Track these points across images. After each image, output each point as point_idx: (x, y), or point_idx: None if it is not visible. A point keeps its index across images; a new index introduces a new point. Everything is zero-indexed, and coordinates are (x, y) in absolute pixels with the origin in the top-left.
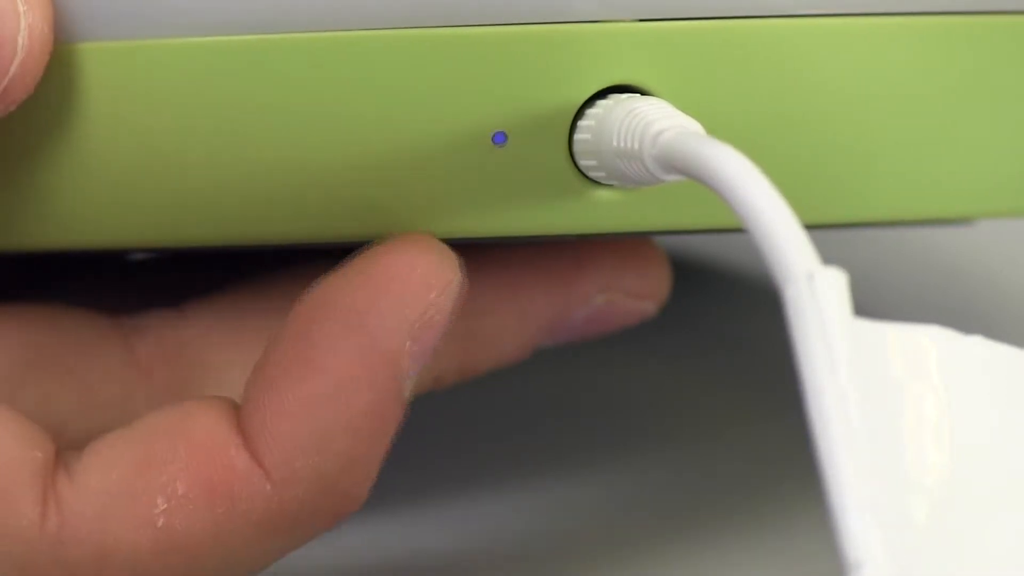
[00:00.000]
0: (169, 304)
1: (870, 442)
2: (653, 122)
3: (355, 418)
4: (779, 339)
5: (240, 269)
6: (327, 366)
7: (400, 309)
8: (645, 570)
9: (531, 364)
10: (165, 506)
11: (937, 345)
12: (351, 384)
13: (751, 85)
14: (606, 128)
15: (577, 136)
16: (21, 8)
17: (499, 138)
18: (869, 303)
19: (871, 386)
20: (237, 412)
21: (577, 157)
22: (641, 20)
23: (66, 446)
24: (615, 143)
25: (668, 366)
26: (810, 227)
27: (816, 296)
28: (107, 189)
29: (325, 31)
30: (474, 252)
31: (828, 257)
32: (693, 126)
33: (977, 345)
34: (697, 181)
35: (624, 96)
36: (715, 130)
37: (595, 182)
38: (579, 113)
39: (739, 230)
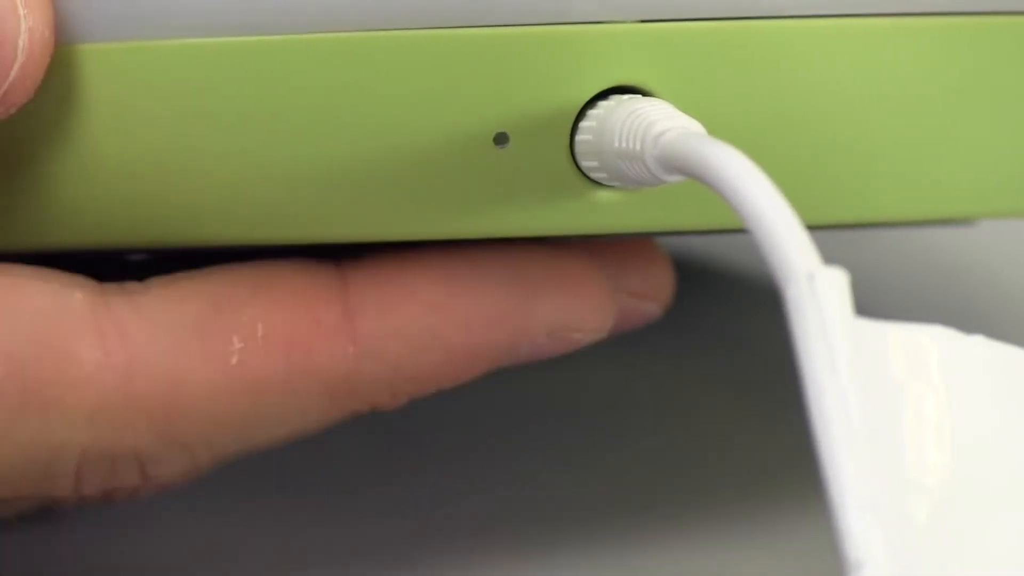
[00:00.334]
0: None
1: (871, 442)
2: (654, 123)
3: (460, 348)
4: (779, 339)
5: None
6: (475, 298)
7: (564, 308)
8: (645, 570)
9: (531, 363)
10: (241, 346)
11: (938, 345)
12: (481, 323)
13: (752, 86)
14: (607, 129)
15: (578, 137)
16: (21, 11)
17: (501, 139)
18: (870, 303)
19: (872, 386)
20: (335, 272)
21: (578, 158)
22: (642, 21)
23: None
24: (616, 144)
25: (668, 366)
26: (811, 227)
27: (817, 296)
28: (107, 190)
29: (326, 32)
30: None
31: (829, 257)
32: (694, 127)
33: (978, 345)
34: (698, 181)
35: (625, 97)
36: (716, 131)
37: (596, 183)
38: (580, 114)
39: (740, 230)
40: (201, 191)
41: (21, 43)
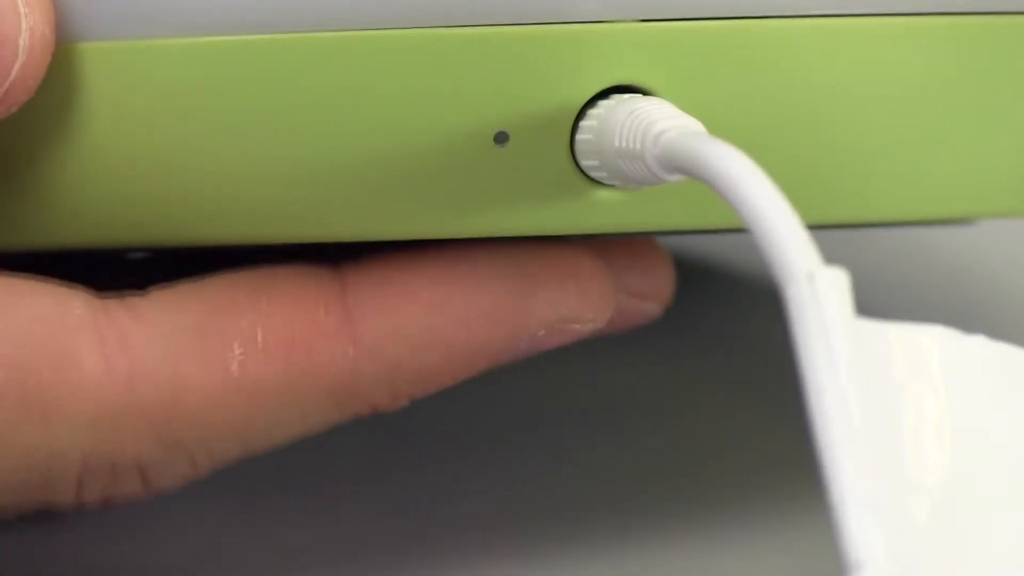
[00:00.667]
0: None
1: (871, 442)
2: (655, 122)
3: (460, 346)
4: (779, 339)
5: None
6: (473, 295)
7: (561, 302)
8: (645, 570)
9: (531, 363)
10: (241, 351)
11: (939, 345)
12: (481, 320)
13: (753, 85)
14: (608, 128)
15: (579, 136)
16: (22, 10)
17: (501, 138)
18: (870, 303)
19: (872, 386)
20: (333, 275)
21: (579, 157)
22: (643, 20)
23: None
24: (617, 143)
25: (668, 366)
26: (811, 227)
27: (817, 295)
28: (108, 188)
29: (327, 31)
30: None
31: (829, 257)
32: (695, 126)
33: (979, 345)
34: (699, 181)
35: (626, 96)
36: (717, 130)
37: (597, 182)
38: (581, 113)
39: (740, 230)
40: (201, 190)
41: (22, 42)
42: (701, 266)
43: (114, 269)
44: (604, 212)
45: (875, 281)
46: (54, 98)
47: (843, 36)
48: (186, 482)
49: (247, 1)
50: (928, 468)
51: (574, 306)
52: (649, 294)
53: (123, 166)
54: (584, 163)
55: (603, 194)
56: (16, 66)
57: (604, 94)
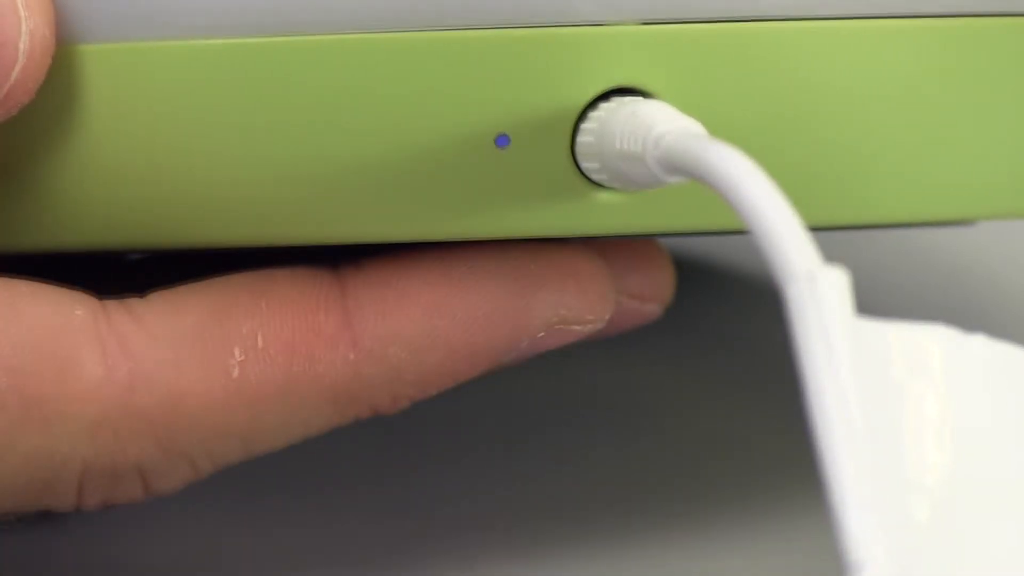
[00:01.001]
0: None
1: (871, 442)
2: (655, 124)
3: (461, 348)
4: (779, 339)
5: (241, 270)
6: (473, 297)
7: (561, 302)
8: (645, 570)
9: (531, 364)
10: (242, 357)
11: (939, 344)
12: (481, 322)
13: (753, 87)
14: (608, 130)
15: (579, 139)
16: (22, 12)
17: (502, 141)
18: (871, 303)
19: (872, 386)
20: (333, 278)
21: (579, 159)
22: (643, 23)
23: None
24: (618, 145)
25: (668, 366)
26: (812, 229)
27: (817, 296)
28: (109, 190)
29: (327, 34)
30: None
31: (830, 257)
32: (695, 128)
33: (979, 344)
34: (700, 182)
35: (626, 98)
36: (717, 132)
37: (597, 184)
38: (581, 116)
39: (741, 231)
40: (202, 192)
41: (22, 44)
42: (701, 266)
43: (114, 272)
44: (605, 214)
45: (875, 281)
46: (54, 100)
47: (843, 38)
48: (186, 484)
49: (247, 3)
50: (928, 468)
51: (574, 307)
52: (649, 295)
53: (123, 168)
54: (585, 165)
55: (604, 196)
56: (16, 68)
57: (605, 96)
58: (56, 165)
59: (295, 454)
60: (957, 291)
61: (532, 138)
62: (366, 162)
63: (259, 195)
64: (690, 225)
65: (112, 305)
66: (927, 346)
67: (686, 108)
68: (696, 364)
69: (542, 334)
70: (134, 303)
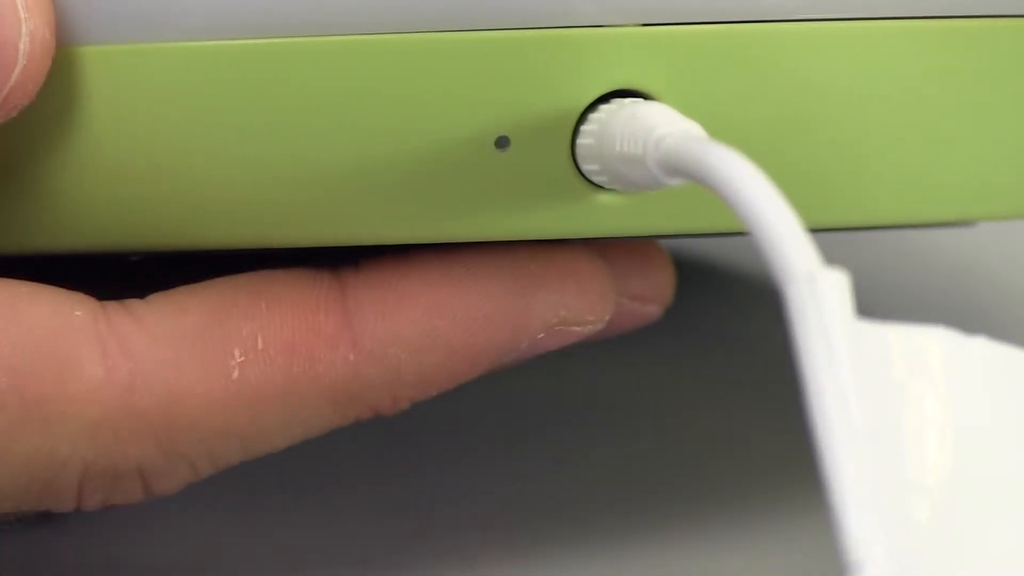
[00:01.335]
0: None
1: (871, 442)
2: (656, 126)
3: (461, 349)
4: (779, 339)
5: (241, 271)
6: (473, 298)
7: (561, 303)
8: (645, 570)
9: (531, 364)
10: (242, 358)
11: (939, 345)
12: (481, 323)
13: (753, 89)
14: (609, 132)
15: (580, 140)
16: (23, 14)
17: (502, 142)
18: (871, 304)
19: (873, 386)
20: (333, 279)
21: (580, 161)
22: (643, 25)
23: None
24: (618, 147)
25: (668, 366)
26: (812, 230)
27: (817, 297)
28: (109, 192)
29: (328, 35)
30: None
31: (830, 258)
32: (696, 130)
33: (979, 346)
34: (700, 184)
35: (627, 100)
36: (717, 134)
37: (597, 186)
38: (582, 118)
39: (741, 233)
40: (202, 194)
41: (22, 46)
42: (701, 267)
43: (114, 273)
44: (605, 216)
45: (876, 282)
46: (54, 102)
47: (843, 40)
48: (186, 485)
49: (247, 4)
50: (928, 468)
51: (574, 307)
52: (649, 296)
53: (123, 169)
54: (585, 167)
55: (604, 198)
56: (16, 70)
57: (605, 98)
58: (56, 166)
59: (295, 454)
60: (957, 292)
61: (532, 140)
62: (366, 164)
63: (259, 196)
64: (690, 227)
65: (112, 306)
66: (927, 347)
67: (686, 110)
68: (696, 364)
69: (542, 335)
70: (134, 304)
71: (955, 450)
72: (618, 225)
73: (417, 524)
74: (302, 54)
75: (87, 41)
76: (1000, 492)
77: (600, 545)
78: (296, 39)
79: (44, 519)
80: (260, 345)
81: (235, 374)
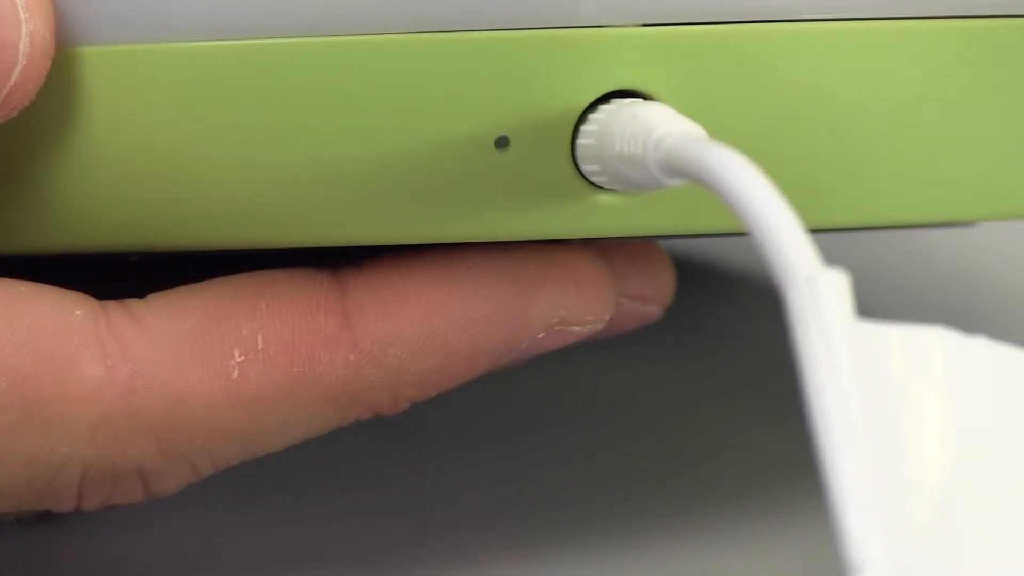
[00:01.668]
0: None
1: (872, 442)
2: (656, 127)
3: (461, 350)
4: (779, 339)
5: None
6: (473, 298)
7: (561, 303)
8: (645, 570)
9: (531, 364)
10: (241, 359)
11: (939, 346)
12: (481, 323)
13: (753, 89)
14: (609, 133)
15: (580, 141)
16: (23, 15)
17: (502, 143)
18: (871, 304)
19: (873, 387)
20: (333, 280)
21: (580, 162)
22: (643, 25)
23: None
24: (618, 148)
25: (668, 366)
26: (812, 230)
27: (818, 298)
28: (108, 192)
29: (327, 36)
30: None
31: (830, 258)
32: (696, 131)
33: (979, 346)
34: (700, 185)
35: (627, 101)
36: (718, 134)
37: (597, 187)
38: (582, 118)
39: (741, 233)
40: (201, 194)
41: (22, 47)
42: (701, 267)
43: (114, 273)
44: (605, 216)
45: (875, 283)
46: (54, 102)
47: (843, 40)
48: (186, 485)
49: (247, 5)
50: (928, 468)
51: (574, 307)
52: (649, 297)
53: (123, 170)
54: (585, 168)
55: (604, 198)
56: (16, 70)
57: (605, 99)
58: (56, 167)
59: (295, 454)
60: (957, 292)
61: (532, 140)
62: (366, 164)
63: (259, 197)
64: (691, 227)
65: (112, 306)
66: (927, 348)
67: (686, 110)
68: (696, 364)
69: (542, 335)
70: (134, 305)
71: (955, 450)
72: (618, 225)
73: (417, 524)
74: (302, 54)
75: (87, 41)
76: (1000, 492)
77: (600, 545)
78: (296, 39)
79: (44, 519)
80: (260, 345)
81: (235, 374)
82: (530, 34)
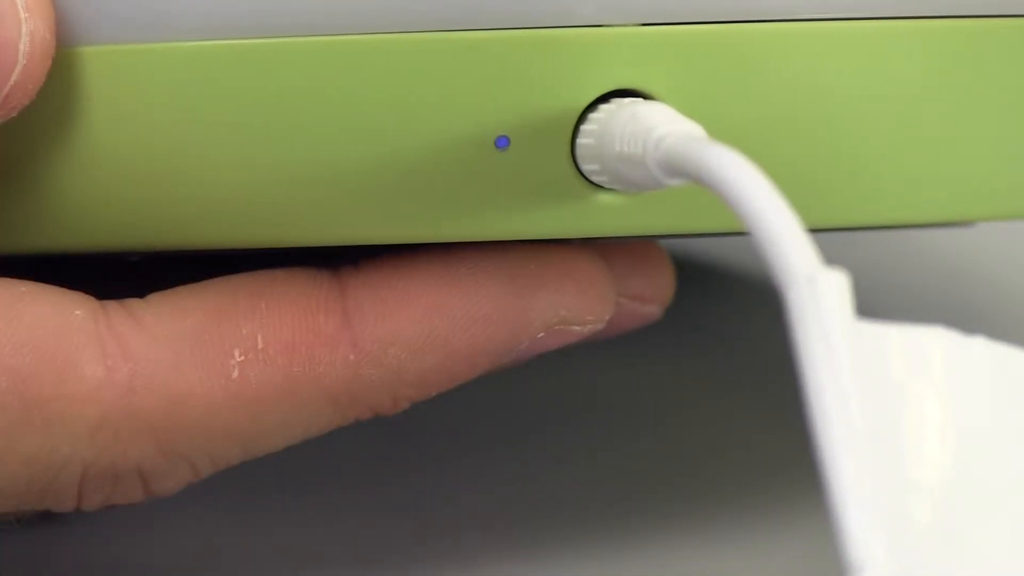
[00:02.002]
0: None
1: (871, 442)
2: (656, 126)
3: (461, 349)
4: (779, 339)
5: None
6: (473, 298)
7: (561, 303)
8: (645, 569)
9: (531, 364)
10: (241, 358)
11: (939, 346)
12: (480, 323)
13: (753, 89)
14: (608, 133)
15: (580, 140)
16: (23, 14)
17: (502, 142)
18: (871, 304)
19: (873, 387)
20: (333, 279)
21: (580, 161)
22: (643, 24)
23: None
24: (618, 147)
25: (668, 366)
26: (812, 230)
27: (818, 298)
28: (108, 192)
29: (327, 35)
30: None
31: (829, 258)
32: (696, 130)
33: (979, 346)
34: (700, 185)
35: (627, 100)
36: (717, 134)
37: (597, 186)
38: (582, 118)
39: (741, 233)
40: (201, 194)
41: (22, 47)
42: (701, 266)
43: (114, 273)
44: (605, 216)
45: (875, 283)
46: (54, 102)
47: (842, 40)
48: (186, 485)
49: (247, 5)
50: (928, 468)
51: (574, 307)
52: (649, 297)
53: (123, 170)
54: (585, 167)
55: (604, 198)
56: (16, 70)
57: (605, 98)
58: (56, 167)
59: (295, 454)
60: (957, 292)
61: (532, 140)
62: (366, 164)
63: (259, 196)
64: (691, 227)
65: (112, 306)
66: (927, 348)
67: (686, 110)
68: (696, 364)
69: (542, 335)
70: (134, 304)
71: (955, 450)
72: (618, 225)
73: (417, 524)
74: (301, 54)
75: (87, 41)
76: (1000, 492)
77: (600, 545)
78: (295, 39)
79: (44, 519)
80: (260, 345)
81: (235, 374)
82: (530, 34)
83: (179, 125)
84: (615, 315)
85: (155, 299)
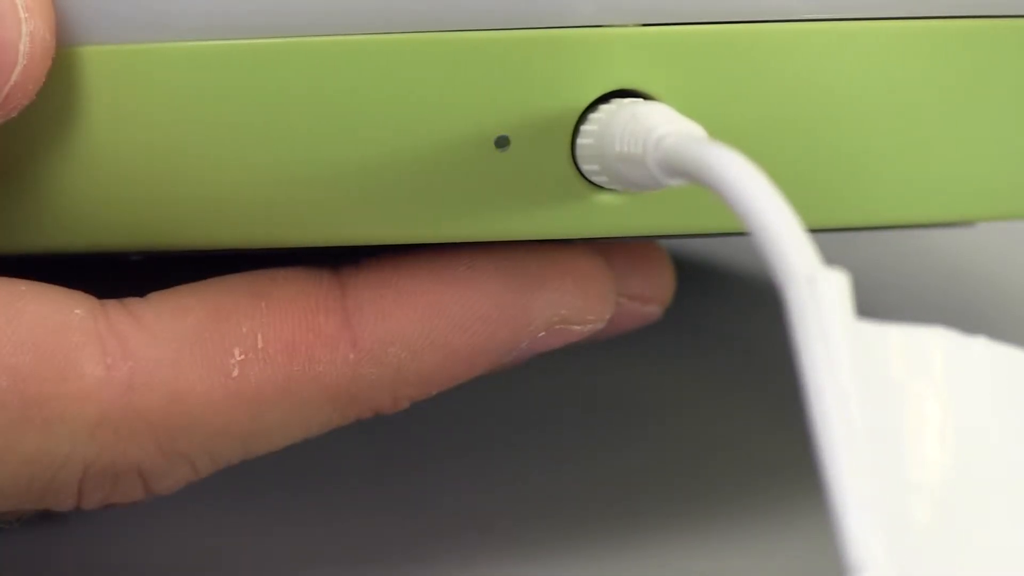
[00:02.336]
0: None
1: (871, 443)
2: (656, 127)
3: (461, 349)
4: (779, 339)
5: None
6: (473, 298)
7: (561, 302)
8: (645, 569)
9: (531, 364)
10: (241, 357)
11: (939, 346)
12: (481, 323)
13: (753, 89)
14: (609, 133)
15: (580, 141)
16: (23, 15)
17: (502, 142)
18: (871, 304)
19: (873, 387)
20: (333, 279)
21: (580, 162)
22: (643, 25)
23: None
24: (618, 148)
25: (668, 366)
26: (812, 230)
27: (818, 298)
28: (108, 192)
29: (327, 35)
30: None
31: (829, 258)
32: (696, 131)
33: (979, 346)
34: (700, 185)
35: (627, 101)
36: (717, 134)
37: (597, 186)
38: (582, 118)
39: (741, 233)
40: (202, 194)
41: (22, 47)
42: (701, 266)
43: (114, 272)
44: (605, 216)
45: (875, 282)
46: (54, 102)
47: (843, 40)
48: (186, 484)
49: (247, 5)
50: (928, 469)
51: (574, 307)
52: (649, 296)
53: (123, 169)
54: (585, 167)
55: (604, 198)
56: (16, 70)
57: (604, 98)
58: (56, 166)
59: (295, 454)
60: (957, 292)
61: (532, 140)
62: (366, 164)
63: (259, 197)
64: (691, 227)
65: (112, 305)
66: (927, 348)
67: (686, 110)
68: (696, 364)
69: (542, 334)
70: (134, 303)
71: (955, 450)
72: (618, 225)
73: (417, 524)
74: (301, 54)
75: (87, 41)
76: (1000, 492)
77: (600, 545)
78: (295, 39)
79: (44, 519)
80: (260, 344)
81: (235, 373)
82: (530, 34)
83: (179, 125)
84: (615, 315)
85: (155, 298)
